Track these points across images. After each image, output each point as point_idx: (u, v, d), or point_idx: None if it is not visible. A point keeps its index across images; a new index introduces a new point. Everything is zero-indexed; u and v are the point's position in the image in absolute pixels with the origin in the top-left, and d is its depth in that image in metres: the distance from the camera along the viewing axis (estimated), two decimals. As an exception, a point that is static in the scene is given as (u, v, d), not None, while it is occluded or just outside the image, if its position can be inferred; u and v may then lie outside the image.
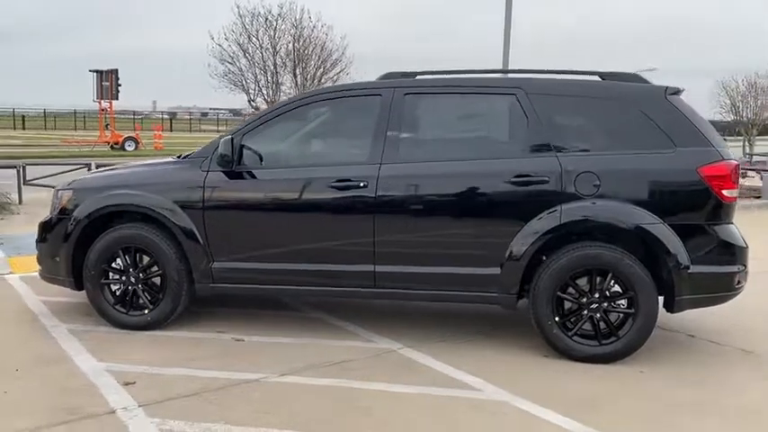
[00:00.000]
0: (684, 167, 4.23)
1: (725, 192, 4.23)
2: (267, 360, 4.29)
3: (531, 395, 3.79)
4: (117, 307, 4.86)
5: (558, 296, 4.31)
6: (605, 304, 4.30)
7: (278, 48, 18.41)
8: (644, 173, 4.28)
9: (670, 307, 4.36)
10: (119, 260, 4.83)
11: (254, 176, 4.64)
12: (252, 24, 18.34)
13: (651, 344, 4.64)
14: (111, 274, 4.85)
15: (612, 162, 4.31)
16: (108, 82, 26.86)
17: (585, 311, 4.31)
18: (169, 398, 3.67)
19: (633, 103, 4.36)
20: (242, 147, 4.63)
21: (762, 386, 4.15)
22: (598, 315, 4.30)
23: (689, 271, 4.21)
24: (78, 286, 4.94)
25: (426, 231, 4.48)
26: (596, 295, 4.29)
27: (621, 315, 4.33)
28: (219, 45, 18.44)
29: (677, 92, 4.43)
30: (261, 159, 4.69)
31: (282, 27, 18.43)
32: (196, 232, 4.67)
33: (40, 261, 5.14)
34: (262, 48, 18.34)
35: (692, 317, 5.24)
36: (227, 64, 18.33)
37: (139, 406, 3.56)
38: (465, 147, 4.65)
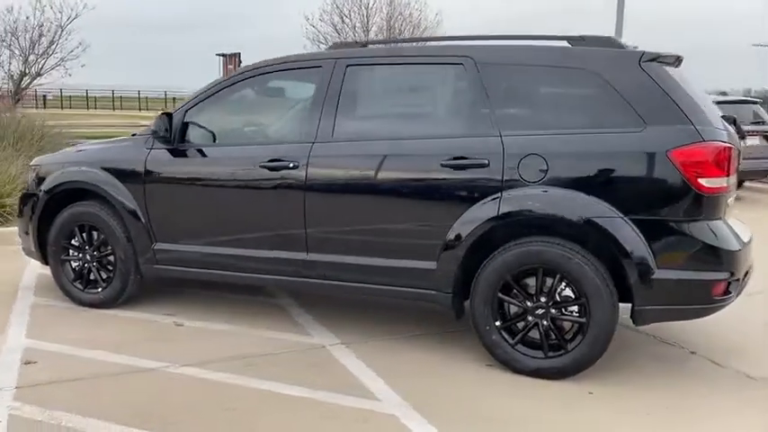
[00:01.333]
0: (652, 150, 3.47)
1: (703, 181, 3.42)
2: (186, 348, 4.08)
3: (435, 411, 3.29)
4: (75, 284, 4.86)
5: (500, 298, 3.72)
6: (553, 310, 3.65)
7: (370, 26, 18.15)
8: (601, 156, 3.56)
9: (634, 318, 3.63)
10: (77, 237, 4.83)
11: (194, 155, 4.42)
12: (344, 4, 18.21)
13: (630, 357, 3.97)
14: (70, 250, 4.87)
15: (563, 143, 3.63)
16: (232, 65, 27.99)
17: (531, 317, 3.70)
18: (52, 382, 3.56)
19: (597, 73, 3.63)
20: (186, 123, 4.43)
21: (742, 424, 3.33)
22: (545, 322, 3.67)
23: (653, 276, 3.46)
24: (46, 261, 5.00)
25: (359, 218, 4.04)
26: (542, 299, 3.66)
27: (576, 325, 3.66)
28: (313, 26, 18.52)
29: (657, 58, 3.64)
30: (210, 137, 4.45)
31: (375, 5, 18.13)
32: (138, 212, 4.54)
33: (19, 234, 5.27)
34: (354, 28, 18.17)
35: (706, 330, 4.42)
36: (320, 45, 18.36)
37: (15, 387, 3.48)
38: (404, 124, 4.13)
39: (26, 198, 5.06)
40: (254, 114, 4.59)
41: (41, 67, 16.54)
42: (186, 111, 4.46)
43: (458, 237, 3.74)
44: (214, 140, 4.45)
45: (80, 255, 4.83)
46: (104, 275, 4.80)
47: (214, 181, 4.37)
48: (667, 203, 3.46)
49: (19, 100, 16.35)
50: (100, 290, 4.80)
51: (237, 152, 4.32)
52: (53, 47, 16.62)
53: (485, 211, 3.68)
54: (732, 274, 3.50)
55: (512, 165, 3.64)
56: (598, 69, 3.63)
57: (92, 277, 4.83)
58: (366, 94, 4.14)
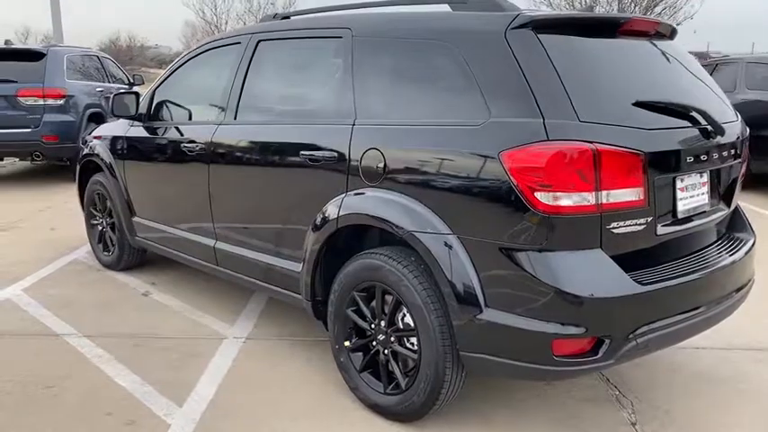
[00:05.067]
0: (486, 151, 2.58)
1: (540, 196, 2.45)
2: (116, 319, 4.26)
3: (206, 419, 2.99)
4: (98, 246, 5.38)
5: (349, 316, 3.18)
6: (393, 338, 3.01)
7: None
8: (437, 156, 2.77)
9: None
10: (98, 203, 5.31)
11: (151, 133, 4.49)
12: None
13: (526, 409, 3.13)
14: (97, 216, 5.37)
15: (402, 138, 2.90)
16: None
17: (375, 342, 3.10)
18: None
19: (455, 46, 2.80)
20: (153, 101, 4.53)
21: None
22: (386, 351, 3.05)
23: (479, 316, 2.63)
24: (91, 223, 5.60)
25: (247, 210, 3.76)
26: (382, 324, 3.04)
27: (412, 361, 2.96)
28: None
29: (531, 24, 2.66)
30: (168, 115, 4.49)
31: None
32: (122, 185, 4.82)
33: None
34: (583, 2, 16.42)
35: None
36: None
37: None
38: (291, 106, 3.67)
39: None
40: (196, 93, 4.46)
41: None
42: (155, 89, 4.56)
43: (314, 240, 3.27)
44: (171, 119, 4.48)
45: (100, 220, 5.32)
46: (113, 241, 5.22)
47: (159, 160, 4.43)
48: (504, 224, 2.56)
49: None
50: (109, 253, 5.24)
51: (175, 131, 4.28)
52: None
53: (331, 212, 3.15)
54: (588, 329, 2.48)
55: (356, 159, 3.04)
56: (456, 42, 2.80)
57: (107, 241, 5.29)
58: (267, 73, 3.75)
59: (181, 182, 4.20)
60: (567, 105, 2.49)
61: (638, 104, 2.66)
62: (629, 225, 2.57)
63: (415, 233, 2.76)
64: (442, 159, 2.74)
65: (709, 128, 2.85)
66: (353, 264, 3.09)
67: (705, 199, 2.99)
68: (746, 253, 3.15)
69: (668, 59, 3.11)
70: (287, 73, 3.73)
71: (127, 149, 4.71)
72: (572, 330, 2.47)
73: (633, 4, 17.49)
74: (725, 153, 3.02)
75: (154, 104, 4.50)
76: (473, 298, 2.62)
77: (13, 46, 9.12)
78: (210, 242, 4.03)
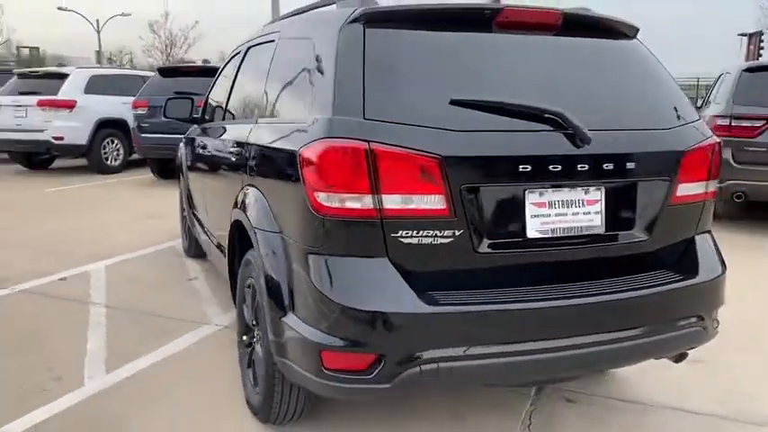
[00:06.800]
0: (293, 148, 2.50)
1: (318, 196, 2.30)
2: (144, 297, 4.78)
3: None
4: (183, 234, 6.04)
5: (242, 310, 3.25)
6: (258, 336, 3.02)
7: None
8: (271, 155, 2.78)
9: None
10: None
11: (197, 133, 4.95)
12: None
13: None
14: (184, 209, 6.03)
15: (263, 136, 2.93)
16: (752, 45, 24.51)
17: (254, 339, 3.13)
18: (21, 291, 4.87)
19: (313, 43, 2.73)
20: (208, 106, 5.00)
21: None
22: (257, 348, 3.06)
23: (284, 319, 2.54)
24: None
25: (217, 203, 4.01)
26: (255, 321, 3.06)
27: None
28: None
29: (361, 17, 2.47)
30: (210, 117, 4.91)
31: None
32: (188, 181, 5.37)
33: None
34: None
35: None
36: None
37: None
38: (239, 109, 3.84)
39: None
40: (218, 98, 4.71)
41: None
42: (209, 92, 5.02)
43: (228, 235, 3.41)
44: (207, 121, 4.86)
45: (186, 212, 5.97)
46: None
47: (192, 158, 4.88)
48: (300, 225, 2.45)
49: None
50: (186, 242, 5.87)
51: (201, 132, 4.69)
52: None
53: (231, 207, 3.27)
54: (350, 344, 2.25)
55: (249, 156, 3.12)
56: (314, 38, 2.73)
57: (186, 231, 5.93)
58: (242, 77, 3.94)
59: (202, 178, 4.58)
60: (358, 103, 2.31)
61: (468, 105, 2.36)
62: (426, 237, 2.29)
63: (256, 229, 2.77)
64: (274, 158, 2.74)
65: (576, 135, 2.40)
66: (243, 261, 3.15)
67: (596, 220, 2.52)
68: (666, 293, 2.57)
69: (573, 57, 2.68)
70: (247, 77, 3.90)
71: (188, 149, 5.26)
72: (335, 342, 2.29)
73: None
74: (626, 168, 2.52)
75: (208, 109, 4.96)
76: (280, 300, 2.55)
77: (208, 65, 10.48)
78: (209, 237, 4.35)
